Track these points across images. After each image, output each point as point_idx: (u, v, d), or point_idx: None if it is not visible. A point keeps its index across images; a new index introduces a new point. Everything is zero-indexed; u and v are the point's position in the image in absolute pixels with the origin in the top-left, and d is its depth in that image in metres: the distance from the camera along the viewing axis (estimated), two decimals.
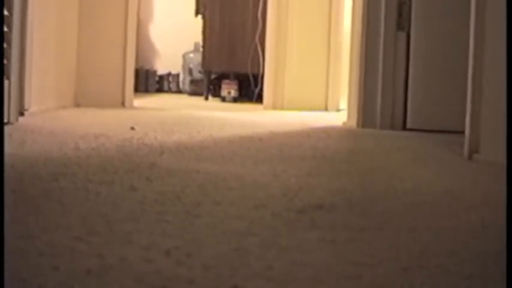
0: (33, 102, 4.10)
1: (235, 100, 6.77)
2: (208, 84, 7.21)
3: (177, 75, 8.48)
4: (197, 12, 7.37)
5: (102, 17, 5.28)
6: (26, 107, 3.92)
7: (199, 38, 7.44)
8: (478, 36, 2.84)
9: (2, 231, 1.22)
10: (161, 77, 8.51)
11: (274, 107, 5.85)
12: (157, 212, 1.59)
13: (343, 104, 5.37)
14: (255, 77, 6.64)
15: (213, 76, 7.27)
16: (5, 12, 3.34)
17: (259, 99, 6.42)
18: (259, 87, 6.56)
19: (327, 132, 3.84)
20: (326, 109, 5.86)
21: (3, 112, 3.26)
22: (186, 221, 1.51)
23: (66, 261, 1.18)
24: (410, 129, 4.11)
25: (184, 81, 8.36)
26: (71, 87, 5.13)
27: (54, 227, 1.41)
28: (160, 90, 8.44)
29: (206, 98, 7.14)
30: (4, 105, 3.28)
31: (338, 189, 2.02)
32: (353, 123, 4.26)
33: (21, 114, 3.76)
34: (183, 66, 8.34)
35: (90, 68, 5.24)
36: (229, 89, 6.82)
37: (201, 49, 7.38)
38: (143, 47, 8.31)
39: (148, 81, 8.38)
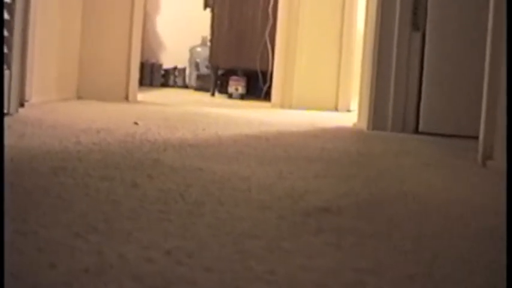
0: (34, 93, 4.11)
1: (242, 97, 6.78)
2: (215, 80, 7.22)
3: (183, 69, 8.49)
4: (206, 5, 7.38)
5: (108, 8, 5.29)
6: (26, 98, 3.93)
7: (207, 32, 7.45)
8: (496, 38, 2.84)
9: (1, 231, 1.23)
10: (167, 71, 8.53)
11: (283, 105, 5.86)
12: (159, 211, 1.60)
13: (354, 105, 5.37)
14: (264, 74, 6.65)
15: (220, 72, 7.28)
16: (7, 0, 3.35)
17: (267, 97, 6.43)
18: (267, 84, 6.57)
19: (336, 134, 3.84)
20: (336, 109, 5.86)
21: (3, 104, 3.28)
22: (188, 221, 1.52)
23: (64, 258, 1.19)
24: (423, 133, 4.11)
25: (190, 76, 8.38)
26: (73, 79, 5.15)
27: (52, 223, 1.42)
28: (165, 84, 8.45)
29: (212, 94, 7.15)
30: (4, 95, 3.29)
31: (345, 192, 2.03)
32: (363, 125, 4.27)
33: (22, 105, 3.77)
34: (190, 61, 8.35)
35: (94, 60, 5.26)
36: (236, 85, 6.83)
37: (208, 43, 7.39)
38: (149, 39, 8.32)
39: (154, 75, 8.40)
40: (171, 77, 8.53)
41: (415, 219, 1.73)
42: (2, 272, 1.06)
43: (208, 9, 7.26)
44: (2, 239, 1.19)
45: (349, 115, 5.32)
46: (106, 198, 1.71)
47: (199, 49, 8.22)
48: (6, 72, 3.33)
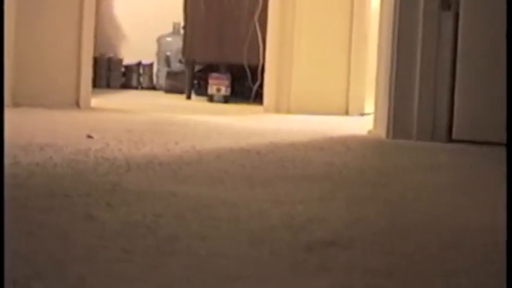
0: None
1: (226, 100, 6.79)
2: (191, 79, 7.24)
3: (150, 65, 8.51)
4: None
5: None
6: None
7: (179, 17, 7.47)
8: None
9: (1, 231, 1.27)
10: (128, 68, 8.53)
11: (278, 109, 5.87)
12: (120, 249, 1.61)
13: (369, 108, 5.40)
14: (253, 70, 6.67)
15: (197, 68, 7.29)
16: None
17: (257, 99, 6.44)
18: (258, 83, 6.58)
19: (347, 144, 3.86)
20: (346, 113, 5.87)
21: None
22: (158, 261, 1.54)
23: None
24: (458, 141, 4.12)
25: (159, 74, 8.39)
26: (7, 82, 5.16)
27: None
28: (127, 85, 8.45)
29: (188, 97, 7.16)
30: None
31: (358, 220, 2.05)
32: (381, 132, 4.29)
33: None
34: (158, 54, 8.36)
35: (33, 56, 5.26)
36: (218, 85, 6.84)
37: (181, 32, 7.41)
38: (105, 28, 8.34)
39: (112, 74, 8.40)
40: (134, 76, 8.54)
41: (444, 254, 1.75)
42: (2, 272, 1.10)
43: None
44: (2, 239, 1.23)
45: (363, 120, 5.34)
46: (53, 235, 1.72)
47: (169, 39, 8.23)
48: None
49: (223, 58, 6.84)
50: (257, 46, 6.50)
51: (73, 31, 5.32)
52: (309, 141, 3.97)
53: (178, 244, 1.69)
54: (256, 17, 6.56)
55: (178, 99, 7.08)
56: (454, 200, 2.48)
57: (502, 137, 4.02)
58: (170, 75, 8.05)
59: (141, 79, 8.51)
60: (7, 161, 2.74)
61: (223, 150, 3.38)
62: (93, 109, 5.34)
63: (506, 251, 1.28)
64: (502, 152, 3.76)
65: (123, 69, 8.48)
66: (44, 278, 1.39)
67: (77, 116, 4.75)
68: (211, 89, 6.87)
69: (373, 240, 1.84)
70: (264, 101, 5.99)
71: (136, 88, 8.43)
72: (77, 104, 5.34)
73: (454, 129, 4.16)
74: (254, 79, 6.68)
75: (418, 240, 1.87)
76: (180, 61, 7.78)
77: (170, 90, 7.91)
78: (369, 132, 4.46)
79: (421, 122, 4.16)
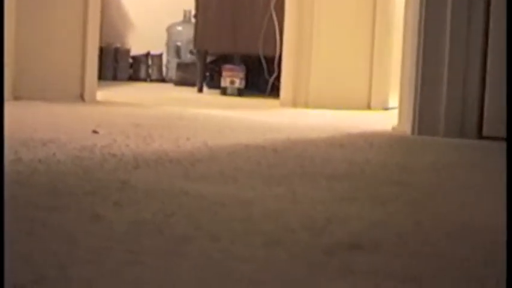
0: None
1: (240, 93, 6.80)
2: (203, 71, 7.24)
3: (159, 56, 8.52)
4: None
5: None
6: None
7: (190, 5, 7.48)
8: None
9: (2, 231, 1.28)
10: (136, 59, 8.55)
11: (295, 103, 5.88)
12: (128, 251, 1.62)
13: (393, 102, 5.39)
14: (269, 61, 6.67)
15: (209, 59, 7.30)
16: None
17: (274, 92, 6.44)
18: (274, 75, 6.59)
19: (369, 141, 3.86)
20: (368, 107, 5.87)
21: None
22: (168, 263, 1.54)
23: None
24: (488, 138, 4.12)
25: (169, 65, 8.40)
26: (7, 74, 5.17)
27: None
28: (135, 77, 8.48)
29: (200, 90, 7.17)
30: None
31: (382, 221, 2.05)
32: (406, 128, 4.28)
33: None
34: (168, 44, 8.38)
35: (35, 46, 5.27)
36: (232, 77, 6.85)
37: (193, 20, 7.41)
38: (111, 16, 8.35)
39: (119, 65, 8.42)
40: (143, 67, 8.56)
41: (475, 258, 1.75)
42: (2, 272, 1.11)
43: None
44: (2, 239, 1.24)
45: (387, 115, 5.34)
46: (57, 235, 1.73)
47: (180, 28, 8.25)
48: None
49: (238, 48, 6.85)
50: (273, 36, 6.51)
51: (78, 19, 5.33)
52: (328, 137, 3.97)
53: (190, 245, 1.69)
54: (272, 4, 6.56)
55: (189, 92, 7.09)
56: (485, 199, 2.48)
57: None
58: (181, 66, 8.07)
59: (150, 71, 8.54)
60: (8, 157, 2.75)
61: (237, 147, 3.38)
62: (98, 102, 5.35)
63: (506, 251, 1.28)
64: None
65: (130, 60, 8.51)
66: (47, 281, 1.39)
67: (81, 110, 4.76)
68: (225, 82, 6.88)
69: (397, 242, 1.84)
70: (281, 95, 6.00)
71: (144, 80, 8.46)
72: (82, 97, 5.35)
73: (484, 125, 4.15)
74: (270, 71, 6.68)
75: (444, 242, 1.87)
76: (191, 52, 7.80)
77: (181, 82, 7.93)
78: (393, 128, 4.45)
79: (449, 117, 4.15)
